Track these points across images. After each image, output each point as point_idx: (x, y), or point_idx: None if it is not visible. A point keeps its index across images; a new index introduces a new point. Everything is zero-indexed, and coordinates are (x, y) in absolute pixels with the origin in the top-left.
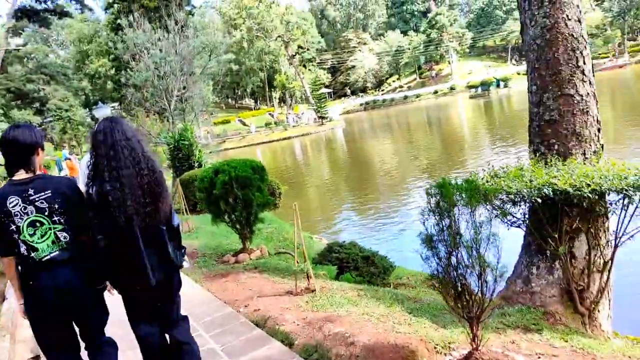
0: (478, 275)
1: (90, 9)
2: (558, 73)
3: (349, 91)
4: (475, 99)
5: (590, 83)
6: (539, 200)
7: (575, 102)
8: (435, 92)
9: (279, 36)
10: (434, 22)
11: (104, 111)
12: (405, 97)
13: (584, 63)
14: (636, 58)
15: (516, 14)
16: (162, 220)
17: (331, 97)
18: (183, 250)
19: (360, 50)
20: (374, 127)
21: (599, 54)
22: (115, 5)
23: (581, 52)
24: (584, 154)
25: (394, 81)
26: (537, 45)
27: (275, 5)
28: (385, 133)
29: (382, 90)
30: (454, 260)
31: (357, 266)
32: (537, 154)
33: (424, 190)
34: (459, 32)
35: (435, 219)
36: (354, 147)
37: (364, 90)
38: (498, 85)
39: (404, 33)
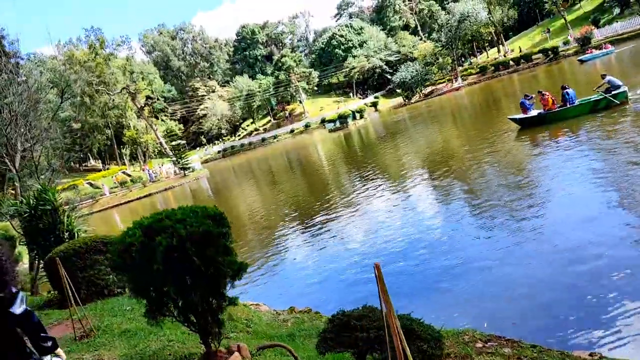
0: None
1: None
2: None
3: (204, 140)
4: (335, 132)
5: None
6: None
7: None
8: (292, 131)
9: (123, 88)
10: (280, 64)
11: None
12: (263, 140)
13: None
14: (467, 81)
15: (355, 51)
16: None
17: (186, 147)
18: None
19: (209, 98)
20: (237, 174)
21: (436, 80)
22: None
23: None
24: None
25: (247, 125)
26: None
27: (113, 58)
28: (250, 179)
29: (239, 135)
30: None
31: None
32: None
33: None
34: (306, 72)
35: None
36: (223, 196)
37: (219, 137)
38: (354, 117)
39: (252, 77)
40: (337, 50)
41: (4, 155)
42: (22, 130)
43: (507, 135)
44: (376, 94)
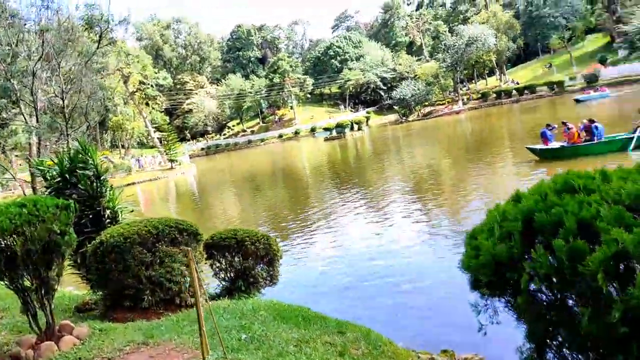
0: None
1: None
2: None
3: (188, 135)
4: (330, 141)
5: None
6: None
7: None
8: (280, 136)
9: (118, 69)
10: (276, 67)
11: None
12: (250, 142)
13: None
14: (468, 105)
15: (351, 64)
16: None
17: (177, 139)
18: None
19: (197, 93)
20: (223, 172)
21: (435, 102)
22: None
23: None
24: None
25: (234, 125)
26: None
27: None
28: (235, 181)
29: (224, 134)
30: None
31: None
32: None
33: None
34: (301, 78)
35: None
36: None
37: (204, 134)
38: (352, 128)
39: (245, 77)
40: (333, 60)
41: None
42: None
43: (524, 165)
44: (368, 109)
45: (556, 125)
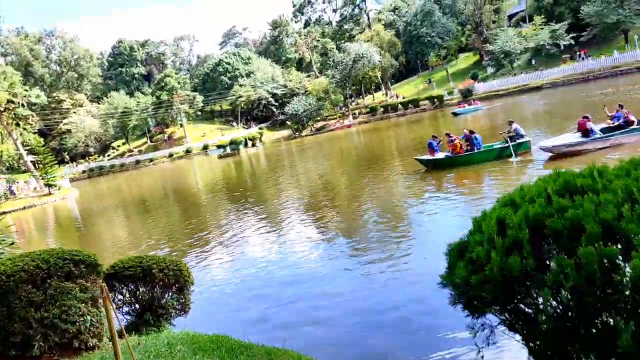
0: None
1: None
2: None
3: (67, 157)
4: (224, 159)
5: None
6: None
7: None
8: (171, 155)
9: None
10: (163, 84)
11: None
12: (138, 162)
13: None
14: (358, 119)
15: (241, 80)
16: None
17: (55, 162)
18: None
19: (75, 112)
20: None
21: (327, 116)
22: None
23: None
24: None
25: (119, 145)
26: None
27: None
28: (122, 204)
29: (109, 155)
30: None
31: None
32: None
33: None
34: (190, 95)
35: None
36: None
37: (85, 155)
38: (246, 144)
39: (130, 95)
40: (222, 77)
41: None
42: None
43: (411, 176)
44: (261, 125)
45: (441, 138)
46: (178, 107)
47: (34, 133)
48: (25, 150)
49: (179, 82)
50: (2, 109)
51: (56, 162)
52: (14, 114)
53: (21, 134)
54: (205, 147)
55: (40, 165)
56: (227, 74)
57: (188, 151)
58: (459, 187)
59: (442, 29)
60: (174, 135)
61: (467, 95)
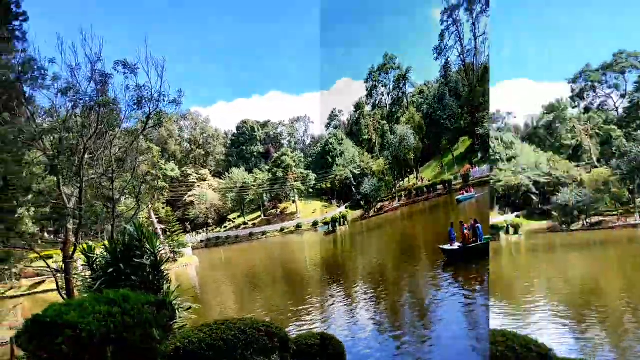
0: None
1: None
2: None
3: (189, 227)
4: (329, 236)
5: None
6: None
7: None
8: (282, 229)
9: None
10: (279, 162)
11: None
12: (251, 234)
13: None
14: (400, 202)
15: (339, 160)
16: None
17: (181, 230)
18: None
19: (199, 185)
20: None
21: (384, 197)
22: None
23: None
24: None
25: (234, 218)
26: None
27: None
28: (234, 277)
29: (225, 227)
30: None
31: None
32: None
33: None
34: (304, 173)
35: None
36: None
37: (204, 226)
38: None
39: (249, 171)
40: (327, 157)
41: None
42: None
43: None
44: (346, 204)
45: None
46: (292, 184)
47: (163, 203)
48: (156, 218)
49: (294, 161)
50: (142, 180)
51: (180, 230)
52: (152, 186)
53: (154, 204)
54: (315, 224)
55: (168, 234)
56: (330, 154)
57: (299, 226)
58: None
59: (451, 112)
60: (286, 210)
61: (466, 180)
